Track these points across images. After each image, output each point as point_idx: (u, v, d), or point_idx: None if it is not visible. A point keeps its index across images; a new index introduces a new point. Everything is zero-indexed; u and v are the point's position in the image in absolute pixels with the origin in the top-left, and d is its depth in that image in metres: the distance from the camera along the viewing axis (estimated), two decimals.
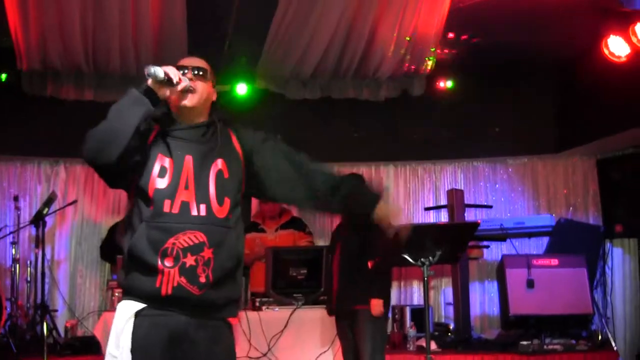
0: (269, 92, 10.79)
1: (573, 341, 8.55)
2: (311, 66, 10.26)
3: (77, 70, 10.19)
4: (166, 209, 3.70)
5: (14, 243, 9.52)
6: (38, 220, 9.18)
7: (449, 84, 10.92)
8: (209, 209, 3.76)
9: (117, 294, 8.01)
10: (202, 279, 3.70)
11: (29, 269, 9.45)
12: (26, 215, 10.08)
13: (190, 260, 3.67)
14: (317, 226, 10.58)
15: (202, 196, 3.77)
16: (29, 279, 9.44)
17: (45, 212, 9.19)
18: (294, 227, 9.34)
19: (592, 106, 9.88)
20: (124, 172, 3.75)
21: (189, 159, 3.80)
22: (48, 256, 9.82)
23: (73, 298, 10.39)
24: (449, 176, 11.24)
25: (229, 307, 3.89)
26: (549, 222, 9.97)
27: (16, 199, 9.76)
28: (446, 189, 10.69)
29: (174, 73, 3.75)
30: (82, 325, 9.78)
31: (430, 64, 10.19)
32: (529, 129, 10.80)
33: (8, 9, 8.79)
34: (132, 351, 3.63)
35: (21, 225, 9.64)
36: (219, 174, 3.85)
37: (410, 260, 5.48)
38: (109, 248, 9.47)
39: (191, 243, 3.68)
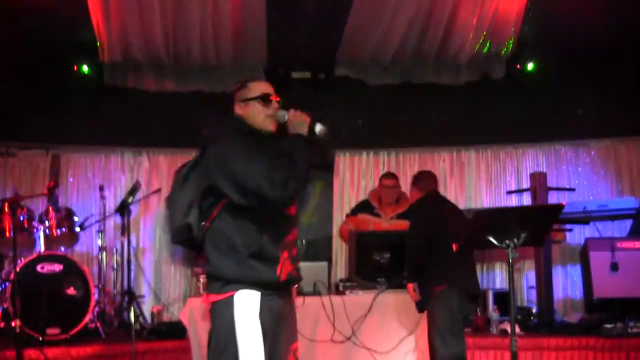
0: (349, 78, 10.81)
1: None
2: (391, 51, 10.27)
3: (158, 61, 10.35)
4: (292, 211, 4.52)
5: (100, 232, 9.71)
6: (123, 209, 9.33)
7: (529, 66, 10.82)
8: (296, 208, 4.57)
9: (201, 280, 8.11)
10: (297, 265, 4.59)
11: (115, 256, 9.63)
12: (111, 204, 10.26)
13: (295, 250, 4.55)
14: None
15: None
16: (115, 266, 9.62)
17: (129, 201, 9.33)
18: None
19: None
20: None
21: None
22: (133, 244, 9.96)
23: (159, 284, 10.54)
24: (531, 160, 11.14)
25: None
26: (633, 204, 9.82)
27: (101, 188, 9.93)
28: (529, 173, 10.58)
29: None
30: (168, 310, 9.93)
31: (510, 46, 10.12)
32: (611, 111, 10.64)
33: (90, 3, 8.94)
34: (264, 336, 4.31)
35: (107, 215, 9.82)
36: None
37: (495, 242, 5.46)
38: None
39: (295, 238, 4.56)
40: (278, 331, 4.40)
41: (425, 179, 7.63)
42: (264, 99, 4.61)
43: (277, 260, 4.34)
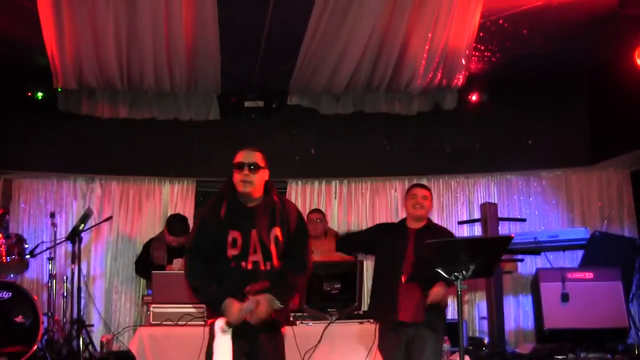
0: (302, 107, 10.85)
1: (609, 355, 8.51)
2: (343, 81, 10.30)
3: (112, 88, 10.33)
4: (242, 266, 5.18)
5: (50, 259, 9.59)
6: (74, 236, 9.23)
7: (481, 97, 10.91)
8: (271, 265, 5.24)
9: (152, 309, 8.06)
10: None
11: (65, 284, 9.52)
12: (62, 231, 10.19)
13: None
14: None
15: (266, 256, 5.23)
16: (65, 294, 9.51)
17: (81, 228, 9.25)
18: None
19: (626, 118, 9.84)
20: None
21: (253, 232, 5.21)
22: (84, 272, 9.89)
23: (109, 313, 10.47)
24: (483, 190, 11.23)
25: (280, 323, 5.49)
26: (584, 235, 9.92)
27: (52, 215, 9.83)
28: (479, 203, 10.65)
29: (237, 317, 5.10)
30: (118, 340, 9.80)
31: (461, 77, 10.19)
32: (562, 142, 10.78)
33: (44, 29, 8.89)
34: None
35: (57, 241, 9.70)
36: (276, 238, 5.28)
37: (444, 274, 5.47)
38: (144, 264, 9.51)
39: (261, 288, 5.15)
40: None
41: None
42: (235, 167, 5.29)
43: None
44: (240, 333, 5.10)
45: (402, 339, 6.74)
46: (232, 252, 5.16)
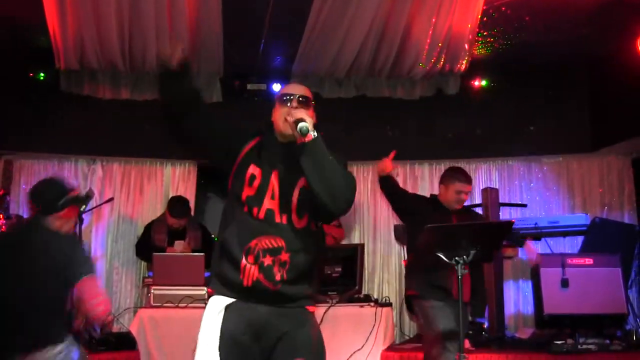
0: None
1: (607, 341, 8.49)
2: (346, 65, 10.30)
3: (114, 69, 10.32)
4: (254, 213, 4.23)
5: None
6: None
7: (483, 82, 10.94)
8: (289, 218, 4.26)
9: (152, 291, 8.09)
10: (277, 277, 4.18)
11: None
12: None
13: (267, 260, 4.17)
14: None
15: (285, 207, 4.26)
16: None
17: (82, 209, 9.23)
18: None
19: (627, 104, 9.82)
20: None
21: (275, 173, 4.29)
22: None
23: (109, 294, 10.43)
24: (484, 175, 11.22)
25: (304, 299, 4.34)
26: (584, 221, 9.93)
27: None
28: (481, 188, 10.64)
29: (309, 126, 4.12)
30: (118, 321, 9.82)
31: (464, 62, 10.18)
32: (563, 128, 10.77)
33: (46, 10, 8.88)
34: (221, 340, 4.14)
35: None
36: (302, 189, 4.26)
37: (445, 259, 5.49)
38: (145, 246, 9.52)
39: (271, 246, 4.19)
40: (256, 341, 4.18)
41: None
42: (280, 99, 4.44)
43: (237, 262, 4.18)
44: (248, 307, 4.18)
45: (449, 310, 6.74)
46: (247, 192, 4.24)
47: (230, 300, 4.21)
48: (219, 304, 4.24)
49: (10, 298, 5.20)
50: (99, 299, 5.22)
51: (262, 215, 4.21)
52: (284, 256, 4.18)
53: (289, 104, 4.33)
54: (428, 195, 7.74)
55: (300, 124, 4.03)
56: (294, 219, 4.26)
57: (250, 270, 4.15)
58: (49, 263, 5.25)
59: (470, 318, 8.24)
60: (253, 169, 4.28)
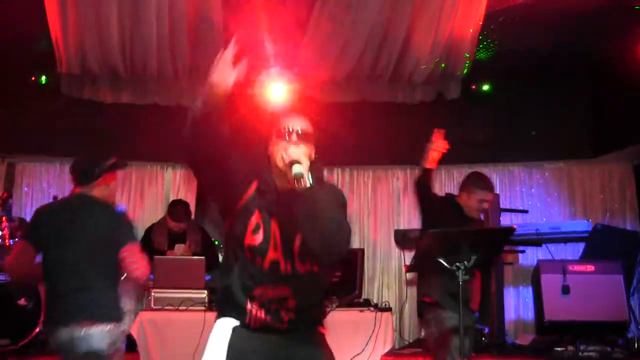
0: (303, 94, 10.81)
1: (609, 348, 8.50)
2: (346, 69, 10.28)
3: (115, 73, 10.31)
4: (258, 263, 3.92)
5: None
6: None
7: (484, 87, 10.93)
8: (293, 266, 3.95)
9: (153, 294, 8.08)
10: (285, 319, 3.95)
11: None
12: None
13: (274, 307, 3.93)
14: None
15: (288, 255, 3.93)
16: None
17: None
18: None
19: (629, 111, 9.81)
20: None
21: (274, 220, 3.93)
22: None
23: None
24: None
25: (315, 323, 4.14)
26: (585, 227, 9.92)
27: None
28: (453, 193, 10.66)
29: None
30: None
31: (465, 67, 10.18)
32: (565, 134, 10.76)
33: (48, 14, 8.92)
34: (228, 354, 3.92)
35: None
36: None
37: (445, 264, 5.48)
38: (145, 249, 9.51)
39: (277, 296, 3.93)
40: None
41: None
42: (279, 132, 3.97)
43: (242, 306, 3.96)
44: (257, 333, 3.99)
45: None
46: (250, 241, 3.93)
47: (238, 322, 3.98)
48: (225, 324, 4.01)
49: (66, 267, 5.30)
50: (140, 263, 5.43)
51: (266, 266, 3.94)
52: (291, 303, 3.97)
53: (287, 137, 3.91)
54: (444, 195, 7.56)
55: (295, 169, 3.68)
56: (297, 266, 3.96)
57: (256, 314, 3.95)
58: (98, 231, 5.39)
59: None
60: (256, 218, 3.94)
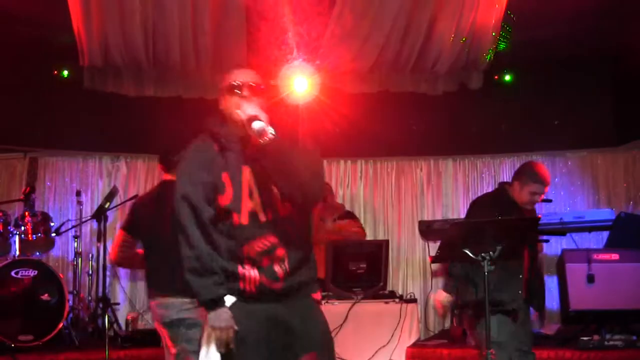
0: (327, 86, 10.79)
1: (634, 337, 8.44)
2: (369, 60, 10.26)
3: (138, 66, 10.31)
4: (235, 221, 3.95)
5: (76, 237, 9.67)
6: (100, 214, 9.25)
7: (507, 77, 10.88)
8: (274, 212, 4.00)
9: None
10: (280, 274, 3.99)
11: (90, 262, 9.60)
12: (88, 209, 10.23)
13: (266, 262, 3.96)
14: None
15: (267, 201, 3.98)
16: (90, 272, 9.58)
17: (106, 206, 9.27)
18: (350, 217, 9.55)
19: None
20: None
21: (246, 169, 3.98)
22: (109, 250, 9.91)
23: (134, 291, 10.51)
24: (508, 170, 11.14)
25: (309, 286, 4.17)
26: (609, 216, 9.86)
27: (78, 194, 9.91)
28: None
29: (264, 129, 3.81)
30: (143, 318, 9.87)
31: (488, 57, 10.15)
32: (588, 123, 10.72)
33: (71, 7, 8.92)
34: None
35: (83, 220, 9.76)
36: None
37: (471, 255, 5.46)
38: None
39: (264, 247, 3.96)
40: (267, 336, 3.99)
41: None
42: (229, 88, 4.04)
43: (234, 272, 3.97)
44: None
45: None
46: (220, 202, 3.95)
47: (232, 299, 4.00)
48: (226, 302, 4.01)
49: (164, 251, 5.48)
50: None
51: (244, 220, 3.95)
52: (280, 252, 3.99)
53: (238, 92, 3.99)
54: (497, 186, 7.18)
55: (255, 125, 3.77)
56: (279, 210, 4.00)
57: (250, 276, 3.96)
58: None
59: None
60: (223, 179, 3.97)
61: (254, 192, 3.97)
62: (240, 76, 4.04)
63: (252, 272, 3.96)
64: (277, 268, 3.99)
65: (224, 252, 3.97)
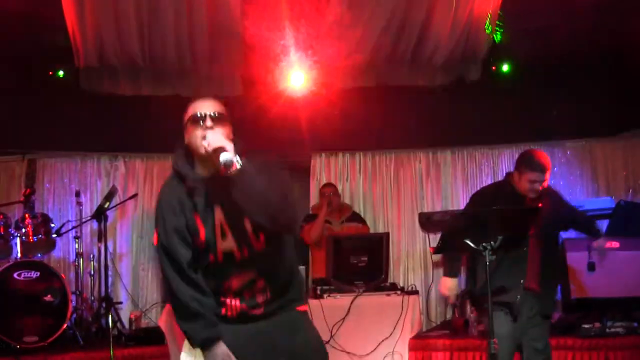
0: (323, 80, 10.78)
1: (635, 324, 8.46)
2: (366, 54, 10.25)
3: (133, 65, 10.30)
4: (212, 260, 3.99)
5: (76, 237, 9.66)
6: (99, 214, 9.28)
7: (504, 68, 10.87)
8: (249, 247, 4.00)
9: None
10: (260, 300, 4.09)
11: (92, 262, 9.59)
12: (88, 210, 10.21)
13: (247, 294, 4.07)
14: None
15: (242, 239, 3.98)
16: (92, 272, 9.57)
17: (106, 206, 9.29)
18: (358, 220, 9.56)
19: None
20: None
21: (217, 209, 3.96)
22: (110, 250, 9.90)
23: (136, 290, 10.51)
24: (507, 160, 11.14)
25: (293, 302, 4.23)
26: (609, 204, 9.87)
27: (77, 194, 9.90)
28: (504, 174, 10.60)
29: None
30: (146, 316, 9.89)
31: (485, 48, 10.15)
32: (586, 112, 10.68)
33: (65, 8, 8.92)
34: None
35: (83, 220, 9.76)
36: None
37: (472, 245, 5.46)
38: None
39: (243, 283, 4.04)
40: (253, 353, 4.07)
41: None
42: (192, 120, 3.95)
43: (217, 299, 4.07)
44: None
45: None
46: (196, 244, 3.96)
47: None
48: None
49: None
50: None
51: (220, 259, 3.98)
52: (260, 283, 4.06)
53: (201, 123, 3.89)
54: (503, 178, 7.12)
55: (222, 156, 3.67)
56: (254, 246, 3.98)
57: (231, 303, 4.07)
58: None
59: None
60: (196, 221, 3.95)
61: (227, 232, 3.96)
62: (203, 107, 3.95)
63: (233, 302, 4.07)
64: (259, 298, 4.08)
65: (207, 287, 4.01)
